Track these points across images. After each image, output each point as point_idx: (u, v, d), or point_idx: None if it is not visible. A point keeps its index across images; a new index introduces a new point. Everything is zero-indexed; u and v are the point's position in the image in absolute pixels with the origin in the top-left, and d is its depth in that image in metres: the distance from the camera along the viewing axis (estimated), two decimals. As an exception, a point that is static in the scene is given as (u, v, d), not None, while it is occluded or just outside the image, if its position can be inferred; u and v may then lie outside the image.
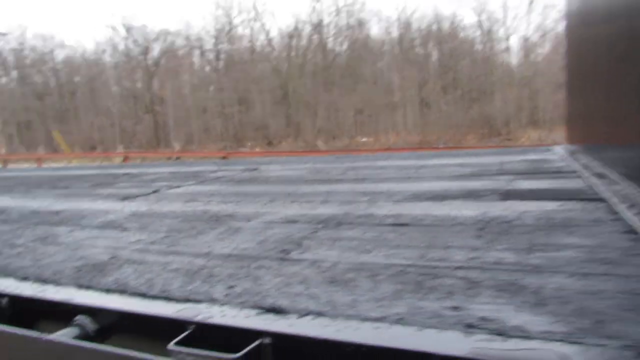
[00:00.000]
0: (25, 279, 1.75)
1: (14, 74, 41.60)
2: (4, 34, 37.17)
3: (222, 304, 1.37)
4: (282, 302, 1.34)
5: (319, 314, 1.25)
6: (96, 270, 1.79)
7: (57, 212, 3.24)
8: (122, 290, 1.55)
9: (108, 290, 1.56)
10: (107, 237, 2.36)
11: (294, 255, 1.83)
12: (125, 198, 3.74)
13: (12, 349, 1.46)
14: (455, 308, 1.22)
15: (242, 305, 1.35)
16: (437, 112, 36.67)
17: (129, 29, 38.85)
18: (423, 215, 2.39)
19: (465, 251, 1.72)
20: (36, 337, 1.38)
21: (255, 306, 1.33)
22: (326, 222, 2.36)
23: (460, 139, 28.90)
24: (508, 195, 2.82)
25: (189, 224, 2.56)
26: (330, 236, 2.08)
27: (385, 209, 2.59)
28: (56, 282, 1.68)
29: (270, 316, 1.27)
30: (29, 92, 40.12)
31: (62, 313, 1.50)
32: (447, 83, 38.25)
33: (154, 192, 4.00)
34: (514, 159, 4.76)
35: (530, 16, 36.35)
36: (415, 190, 3.19)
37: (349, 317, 1.21)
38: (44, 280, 1.71)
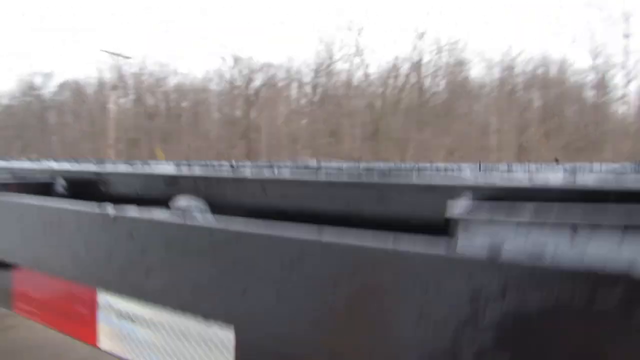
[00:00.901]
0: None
1: (131, 95, 45.74)
2: (127, 57, 41.01)
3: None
4: None
5: None
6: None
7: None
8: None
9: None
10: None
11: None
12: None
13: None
14: None
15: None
16: (536, 160, 34.23)
17: (236, 60, 41.16)
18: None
19: None
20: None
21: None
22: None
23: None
24: None
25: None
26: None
27: None
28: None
29: None
30: (141, 113, 43.66)
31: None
32: (551, 129, 35.67)
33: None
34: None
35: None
36: None
37: None
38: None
